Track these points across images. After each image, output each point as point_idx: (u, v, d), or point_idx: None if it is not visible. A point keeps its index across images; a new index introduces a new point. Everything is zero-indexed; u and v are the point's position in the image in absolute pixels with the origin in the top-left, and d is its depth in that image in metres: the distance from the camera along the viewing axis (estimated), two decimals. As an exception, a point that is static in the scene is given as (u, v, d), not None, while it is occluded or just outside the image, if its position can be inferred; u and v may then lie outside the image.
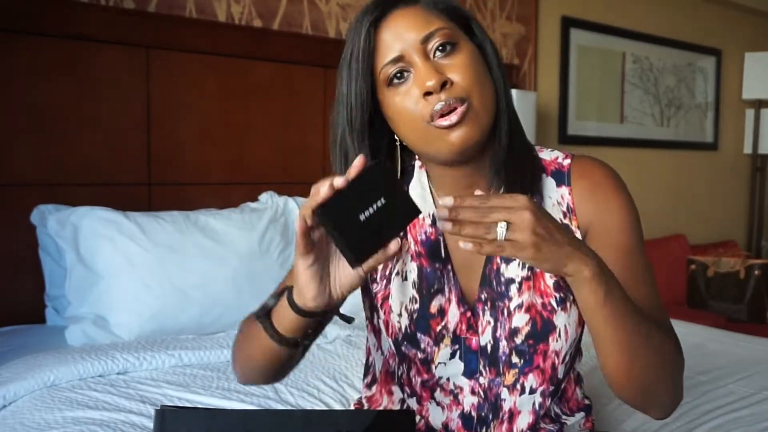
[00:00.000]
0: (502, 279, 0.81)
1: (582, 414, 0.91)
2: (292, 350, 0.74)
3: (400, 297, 0.84)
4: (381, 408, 0.91)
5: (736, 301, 3.01)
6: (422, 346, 0.83)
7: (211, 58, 1.93)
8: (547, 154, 0.85)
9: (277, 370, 0.81)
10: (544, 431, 0.86)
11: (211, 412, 0.72)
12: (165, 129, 1.86)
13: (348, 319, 0.74)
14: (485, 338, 0.82)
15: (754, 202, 3.94)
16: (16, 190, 1.64)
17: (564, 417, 0.88)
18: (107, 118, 1.77)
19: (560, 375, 0.83)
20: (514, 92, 2.45)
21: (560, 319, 0.80)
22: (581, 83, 3.17)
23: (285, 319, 0.71)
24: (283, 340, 0.72)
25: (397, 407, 0.90)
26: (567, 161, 0.84)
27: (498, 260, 0.82)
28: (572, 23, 3.07)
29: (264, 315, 0.74)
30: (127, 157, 1.81)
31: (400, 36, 0.74)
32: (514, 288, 0.80)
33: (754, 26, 4.05)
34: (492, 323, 0.81)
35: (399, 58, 0.74)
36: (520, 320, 0.80)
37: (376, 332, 0.89)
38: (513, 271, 0.81)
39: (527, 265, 0.81)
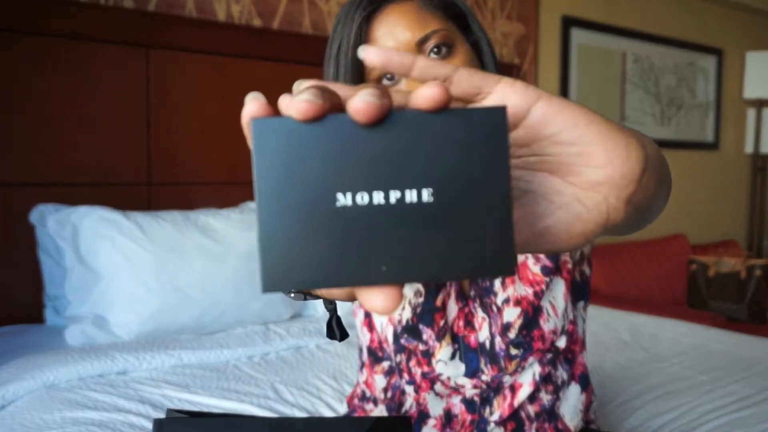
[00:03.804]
0: None
1: (576, 387, 0.88)
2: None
3: (404, 290, 0.83)
4: (374, 410, 0.91)
5: (737, 301, 3.01)
6: (424, 337, 0.83)
7: (211, 58, 1.93)
8: None
9: None
10: (542, 402, 0.85)
11: (211, 421, 0.72)
12: (165, 128, 1.86)
13: (338, 335, 0.55)
14: (483, 335, 0.81)
15: (755, 202, 3.94)
16: (15, 189, 1.64)
17: (563, 388, 0.87)
18: (107, 117, 1.77)
19: (560, 344, 0.83)
20: (514, 92, 2.44)
21: (544, 300, 0.80)
22: (582, 83, 3.16)
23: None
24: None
25: (382, 395, 0.89)
26: None
27: None
28: (572, 22, 3.07)
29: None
30: (127, 157, 1.80)
31: (394, 35, 0.73)
32: (497, 282, 0.80)
33: (756, 25, 4.05)
34: (487, 320, 0.81)
35: None
36: (512, 314, 0.79)
37: (367, 321, 0.89)
38: None
39: None
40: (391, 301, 0.28)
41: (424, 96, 0.28)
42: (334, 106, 0.29)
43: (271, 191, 0.28)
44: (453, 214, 0.28)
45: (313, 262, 0.28)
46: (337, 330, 0.44)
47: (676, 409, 1.25)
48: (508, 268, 0.29)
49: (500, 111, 0.28)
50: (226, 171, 1.98)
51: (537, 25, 2.92)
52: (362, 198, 0.28)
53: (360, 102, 0.26)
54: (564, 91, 3.08)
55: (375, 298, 0.28)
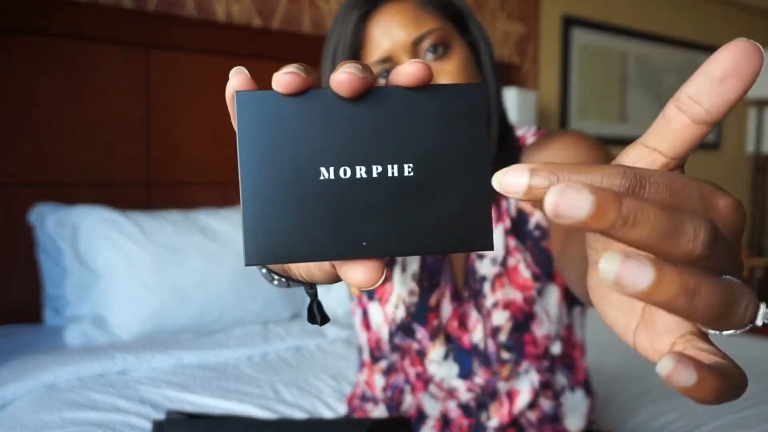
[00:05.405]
0: (477, 276, 0.80)
1: (582, 393, 0.88)
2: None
3: (398, 289, 0.83)
4: (373, 411, 0.91)
5: (738, 301, 3.00)
6: (418, 336, 0.82)
7: (211, 58, 1.93)
8: (524, 133, 0.84)
9: None
10: (542, 408, 0.85)
11: (210, 422, 0.72)
12: (164, 128, 1.86)
13: (318, 319, 0.45)
14: (477, 336, 0.81)
15: (757, 202, 3.93)
16: (14, 189, 1.64)
17: (564, 394, 0.86)
18: (106, 117, 1.76)
19: (555, 350, 0.83)
20: (514, 91, 2.44)
21: (537, 306, 0.79)
22: (582, 82, 3.16)
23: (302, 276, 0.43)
24: (268, 277, 0.46)
25: (381, 395, 0.89)
26: (532, 139, 0.82)
27: (473, 256, 0.80)
28: (573, 22, 3.07)
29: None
30: (127, 157, 1.80)
31: (390, 33, 0.72)
32: (487, 285, 0.80)
33: (756, 25, 4.04)
34: (481, 321, 0.81)
35: (387, 59, 0.72)
36: (501, 318, 0.79)
37: (365, 320, 0.89)
38: (485, 267, 0.80)
39: (498, 261, 0.79)
40: (372, 275, 0.28)
41: (406, 72, 0.28)
42: (317, 83, 0.28)
43: (254, 164, 0.28)
44: (432, 188, 0.29)
45: (295, 236, 0.28)
46: (318, 314, 0.44)
47: (676, 409, 1.25)
48: (486, 243, 0.29)
49: (478, 87, 0.29)
50: (226, 171, 1.97)
51: (537, 25, 2.91)
52: (345, 172, 0.28)
53: (342, 74, 0.27)
54: (564, 91, 3.07)
55: (355, 271, 0.28)
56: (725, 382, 0.22)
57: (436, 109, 0.29)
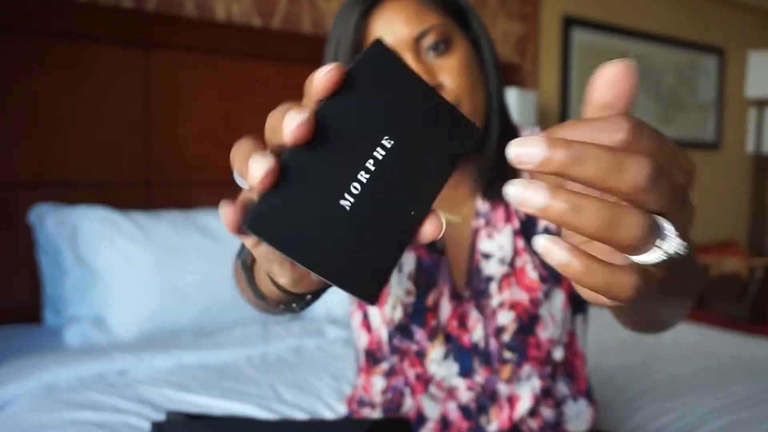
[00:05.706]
0: (483, 276, 0.80)
1: (584, 402, 0.88)
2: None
3: (395, 290, 0.82)
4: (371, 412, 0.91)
5: (739, 302, 3.00)
6: (416, 337, 0.82)
7: (211, 58, 1.93)
8: (527, 134, 0.84)
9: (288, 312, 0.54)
10: (543, 416, 0.84)
11: (210, 423, 0.71)
12: (164, 128, 1.86)
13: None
14: (477, 335, 0.81)
15: (757, 202, 3.93)
16: (14, 189, 1.64)
17: (566, 403, 0.86)
18: (106, 117, 1.76)
19: (557, 356, 0.82)
20: (514, 91, 2.44)
21: (543, 309, 0.79)
22: (582, 82, 3.16)
23: (268, 287, 0.48)
24: (271, 304, 0.51)
25: (380, 398, 0.89)
26: None
27: (478, 256, 0.80)
28: (573, 22, 3.07)
29: (247, 269, 0.53)
30: (126, 157, 1.80)
31: (392, 30, 0.72)
32: (494, 285, 0.79)
33: (757, 24, 4.04)
34: (481, 321, 0.81)
35: None
36: (506, 318, 0.79)
37: (365, 322, 0.88)
38: (492, 268, 0.80)
39: (506, 262, 0.79)
40: (436, 224, 0.35)
41: (319, 81, 0.34)
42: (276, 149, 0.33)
43: (301, 250, 0.32)
44: (413, 158, 0.36)
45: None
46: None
47: (677, 409, 1.24)
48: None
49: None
50: (226, 171, 1.97)
51: (537, 25, 2.91)
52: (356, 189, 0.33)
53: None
54: (564, 90, 3.07)
55: (425, 231, 0.35)
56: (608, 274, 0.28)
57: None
